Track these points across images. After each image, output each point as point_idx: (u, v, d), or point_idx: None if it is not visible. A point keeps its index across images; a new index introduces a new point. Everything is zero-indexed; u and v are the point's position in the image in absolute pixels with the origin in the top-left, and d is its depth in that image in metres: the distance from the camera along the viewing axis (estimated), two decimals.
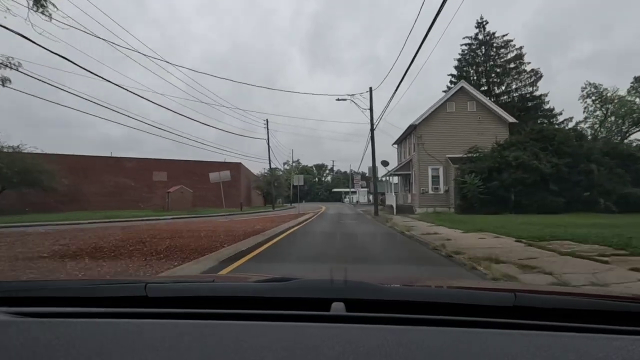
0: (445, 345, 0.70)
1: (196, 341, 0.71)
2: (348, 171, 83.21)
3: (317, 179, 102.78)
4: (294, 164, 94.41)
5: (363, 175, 71.98)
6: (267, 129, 40.09)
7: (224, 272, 5.30)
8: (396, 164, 31.67)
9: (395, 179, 31.18)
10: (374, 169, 24.84)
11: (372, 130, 23.92)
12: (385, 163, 27.48)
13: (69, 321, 0.84)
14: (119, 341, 0.73)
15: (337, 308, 0.89)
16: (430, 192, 24.49)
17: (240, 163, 39.73)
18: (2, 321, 0.84)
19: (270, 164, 41.14)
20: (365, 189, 72.12)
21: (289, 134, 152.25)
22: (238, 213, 27.46)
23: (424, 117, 24.81)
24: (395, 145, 33.62)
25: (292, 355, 0.66)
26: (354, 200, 66.49)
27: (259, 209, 36.83)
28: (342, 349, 0.66)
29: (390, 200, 27.21)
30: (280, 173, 51.56)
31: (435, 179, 24.60)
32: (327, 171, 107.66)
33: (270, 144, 40.36)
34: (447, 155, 24.12)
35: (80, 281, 1.63)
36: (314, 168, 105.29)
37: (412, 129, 25.81)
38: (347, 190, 74.32)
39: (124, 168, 33.29)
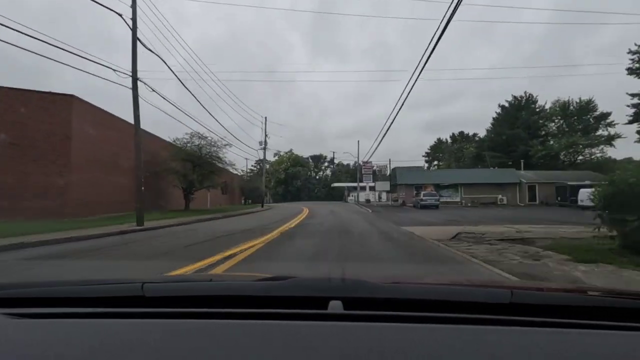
0: (443, 342, 0.71)
1: (193, 340, 0.71)
2: (352, 164, 60.52)
3: (313, 173, 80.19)
4: (283, 154, 71.59)
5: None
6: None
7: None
8: None
9: None
10: None
11: None
12: None
13: (66, 321, 0.85)
14: (116, 341, 0.73)
15: (335, 306, 0.88)
16: None
17: (72, 96, 15.45)
18: None
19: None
20: (387, 182, 48.68)
21: (286, 123, 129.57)
22: None
23: None
24: None
25: (290, 353, 0.66)
26: (362, 199, 43.39)
27: (111, 221, 13.12)
28: (340, 347, 0.67)
29: None
30: (210, 143, 24.55)
31: None
32: (327, 163, 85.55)
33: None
34: None
35: (77, 281, 1.46)
36: (310, 159, 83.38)
37: None
38: (353, 185, 51.01)
39: None
